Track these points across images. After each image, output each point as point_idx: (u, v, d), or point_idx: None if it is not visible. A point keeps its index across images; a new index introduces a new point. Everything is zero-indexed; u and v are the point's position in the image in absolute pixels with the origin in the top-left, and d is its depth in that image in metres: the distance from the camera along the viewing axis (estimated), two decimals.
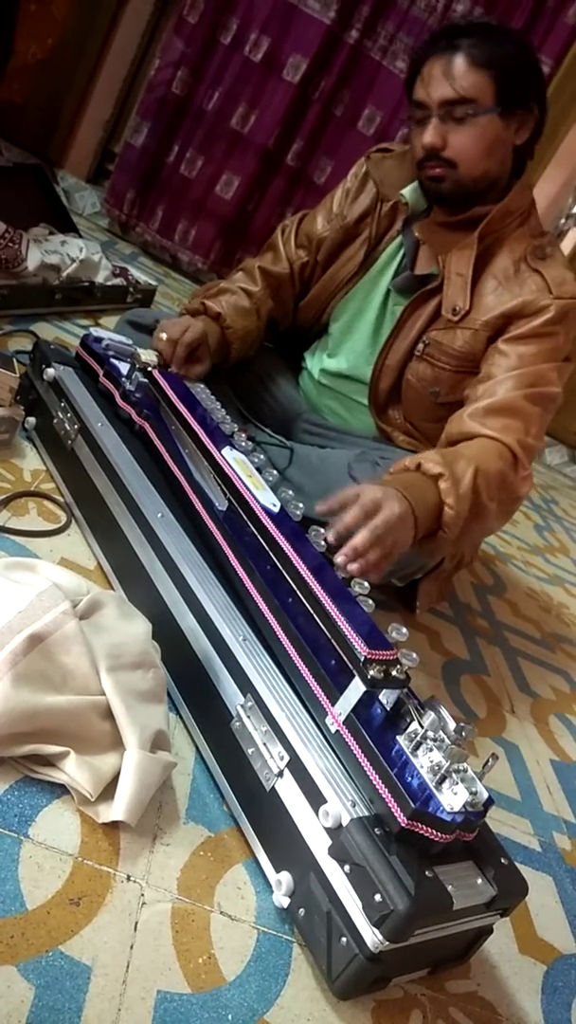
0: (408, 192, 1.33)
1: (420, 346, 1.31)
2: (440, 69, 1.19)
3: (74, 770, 0.71)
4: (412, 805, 0.67)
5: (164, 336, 1.24)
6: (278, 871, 0.74)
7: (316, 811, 0.72)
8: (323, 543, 0.92)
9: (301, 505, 0.97)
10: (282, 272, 1.45)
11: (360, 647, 0.76)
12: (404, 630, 0.81)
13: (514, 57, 1.19)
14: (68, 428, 1.14)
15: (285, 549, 0.89)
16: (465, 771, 0.72)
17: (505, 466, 1.15)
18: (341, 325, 1.43)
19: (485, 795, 0.72)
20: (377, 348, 1.37)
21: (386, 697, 0.77)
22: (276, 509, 0.95)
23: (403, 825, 0.67)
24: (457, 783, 0.70)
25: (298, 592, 0.86)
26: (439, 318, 1.29)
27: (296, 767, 0.75)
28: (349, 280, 1.40)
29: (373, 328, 1.39)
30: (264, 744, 0.77)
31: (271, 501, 0.97)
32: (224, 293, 1.40)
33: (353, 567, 0.90)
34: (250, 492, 0.97)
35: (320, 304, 1.45)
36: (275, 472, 1.04)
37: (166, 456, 1.09)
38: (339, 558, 0.91)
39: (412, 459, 1.11)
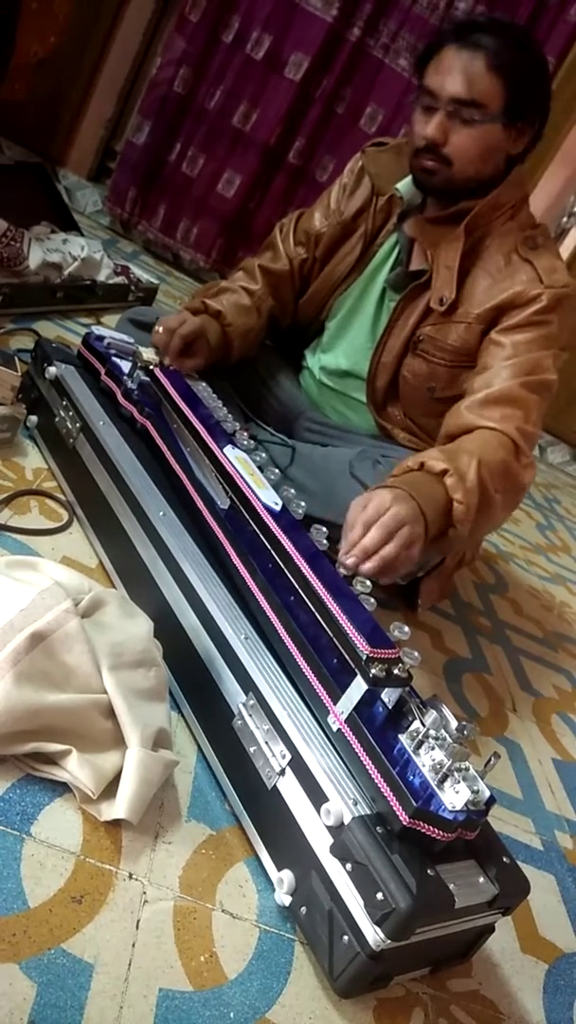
0: (403, 186, 1.34)
1: (414, 342, 1.31)
2: (459, 64, 1.18)
3: (76, 768, 0.71)
4: (414, 804, 0.67)
5: (161, 329, 1.24)
6: (280, 869, 0.74)
7: (318, 809, 0.72)
8: (324, 541, 0.92)
9: (303, 504, 0.97)
10: (282, 269, 1.45)
11: (362, 645, 0.76)
12: (406, 628, 0.81)
13: (530, 71, 1.20)
14: (70, 426, 1.14)
15: (287, 547, 0.89)
16: (467, 770, 0.72)
17: (507, 455, 1.15)
18: (338, 321, 1.43)
19: (487, 794, 0.72)
20: (375, 345, 1.37)
21: (388, 696, 0.77)
22: (278, 508, 0.95)
23: (405, 823, 0.67)
24: (459, 782, 0.70)
25: (300, 590, 0.86)
26: (431, 313, 1.29)
27: (298, 765, 0.75)
28: (347, 276, 1.40)
29: (371, 325, 1.39)
30: (266, 742, 0.77)
31: (273, 500, 0.97)
32: (224, 292, 1.40)
33: (368, 565, 0.90)
34: (252, 490, 0.97)
35: (319, 300, 1.45)
36: (277, 471, 1.04)
37: (168, 454, 1.09)
38: (348, 560, 0.91)
39: (414, 459, 1.10)
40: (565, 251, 3.20)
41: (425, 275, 1.29)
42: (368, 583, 0.87)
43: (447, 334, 1.28)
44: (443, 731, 0.74)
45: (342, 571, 0.89)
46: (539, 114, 1.23)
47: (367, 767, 0.71)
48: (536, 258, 1.25)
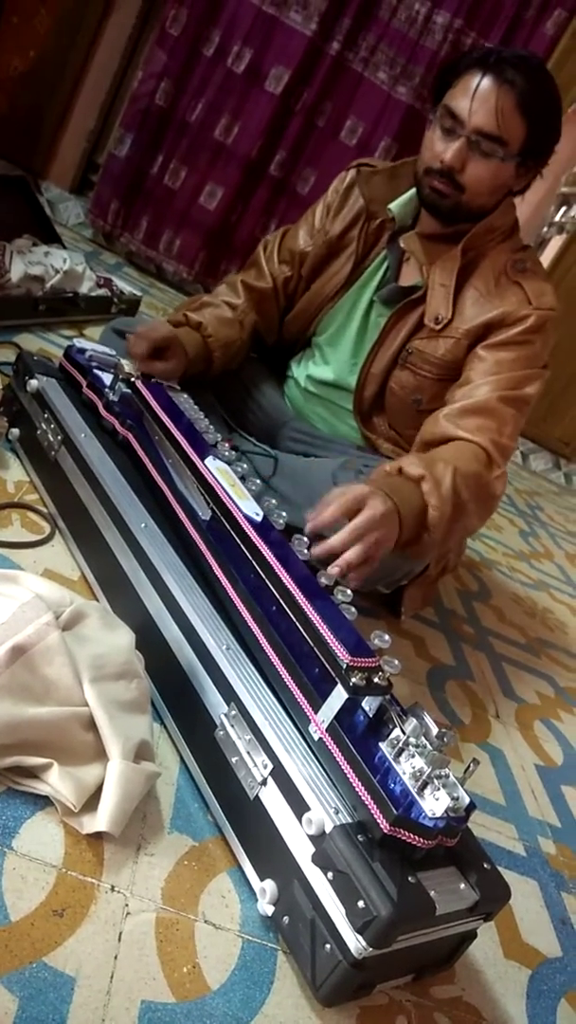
0: (395, 207, 1.36)
1: (404, 355, 1.33)
2: (491, 97, 1.17)
3: (57, 781, 0.71)
4: (394, 811, 0.67)
5: (133, 337, 1.25)
6: (262, 879, 0.75)
7: (299, 819, 0.72)
8: (306, 552, 0.92)
9: (284, 514, 0.98)
10: (265, 287, 1.46)
11: (342, 655, 0.77)
12: (387, 637, 0.82)
13: (551, 116, 1.22)
14: (51, 439, 1.15)
15: (268, 558, 0.89)
16: (447, 777, 0.73)
17: (480, 467, 1.18)
18: (327, 337, 1.45)
19: (467, 800, 0.73)
20: (360, 357, 1.39)
21: (368, 704, 0.78)
22: (259, 518, 0.96)
23: (386, 831, 0.67)
24: (439, 789, 0.71)
25: (281, 601, 0.86)
26: (422, 328, 1.32)
27: (279, 775, 0.75)
28: (336, 294, 1.42)
29: (357, 338, 1.41)
30: (248, 753, 0.78)
31: (254, 510, 0.97)
32: (207, 306, 1.42)
33: (333, 570, 0.91)
34: (233, 501, 0.97)
35: (307, 317, 1.46)
36: (259, 481, 1.04)
37: (149, 466, 1.09)
38: (315, 550, 0.92)
39: (392, 464, 1.13)
40: (545, 260, 3.23)
41: (419, 291, 1.32)
42: (349, 592, 0.87)
43: (436, 348, 1.31)
44: (423, 738, 0.74)
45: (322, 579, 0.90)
46: (548, 157, 1.27)
47: (348, 776, 0.72)
48: (526, 281, 1.29)
